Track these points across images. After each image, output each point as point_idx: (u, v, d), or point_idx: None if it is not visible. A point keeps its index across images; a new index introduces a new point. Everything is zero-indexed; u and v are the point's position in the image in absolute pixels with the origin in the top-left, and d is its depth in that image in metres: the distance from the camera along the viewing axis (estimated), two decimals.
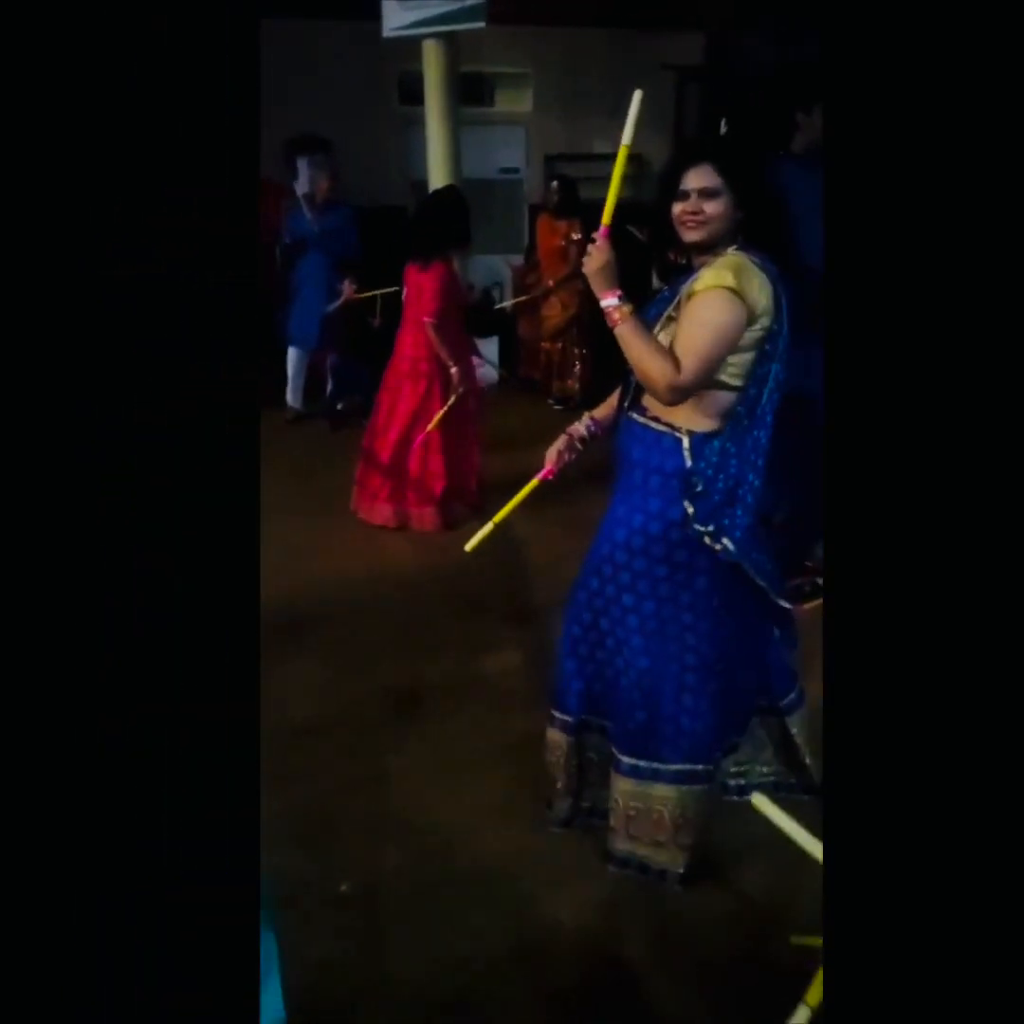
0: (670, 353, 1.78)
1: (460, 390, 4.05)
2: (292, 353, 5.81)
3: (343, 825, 2.30)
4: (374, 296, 5.35)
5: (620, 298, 1.81)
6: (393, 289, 4.79)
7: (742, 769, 2.28)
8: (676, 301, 1.89)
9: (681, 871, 2.07)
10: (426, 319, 3.95)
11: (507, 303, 6.63)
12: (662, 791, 2.03)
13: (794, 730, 2.21)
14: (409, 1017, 1.81)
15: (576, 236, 5.83)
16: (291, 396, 5.89)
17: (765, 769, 2.29)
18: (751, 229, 1.86)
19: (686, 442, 1.87)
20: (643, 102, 1.74)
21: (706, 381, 1.80)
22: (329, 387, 5.92)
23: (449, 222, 3.97)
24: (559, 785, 2.23)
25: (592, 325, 5.66)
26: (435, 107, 5.70)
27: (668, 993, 1.85)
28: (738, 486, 1.89)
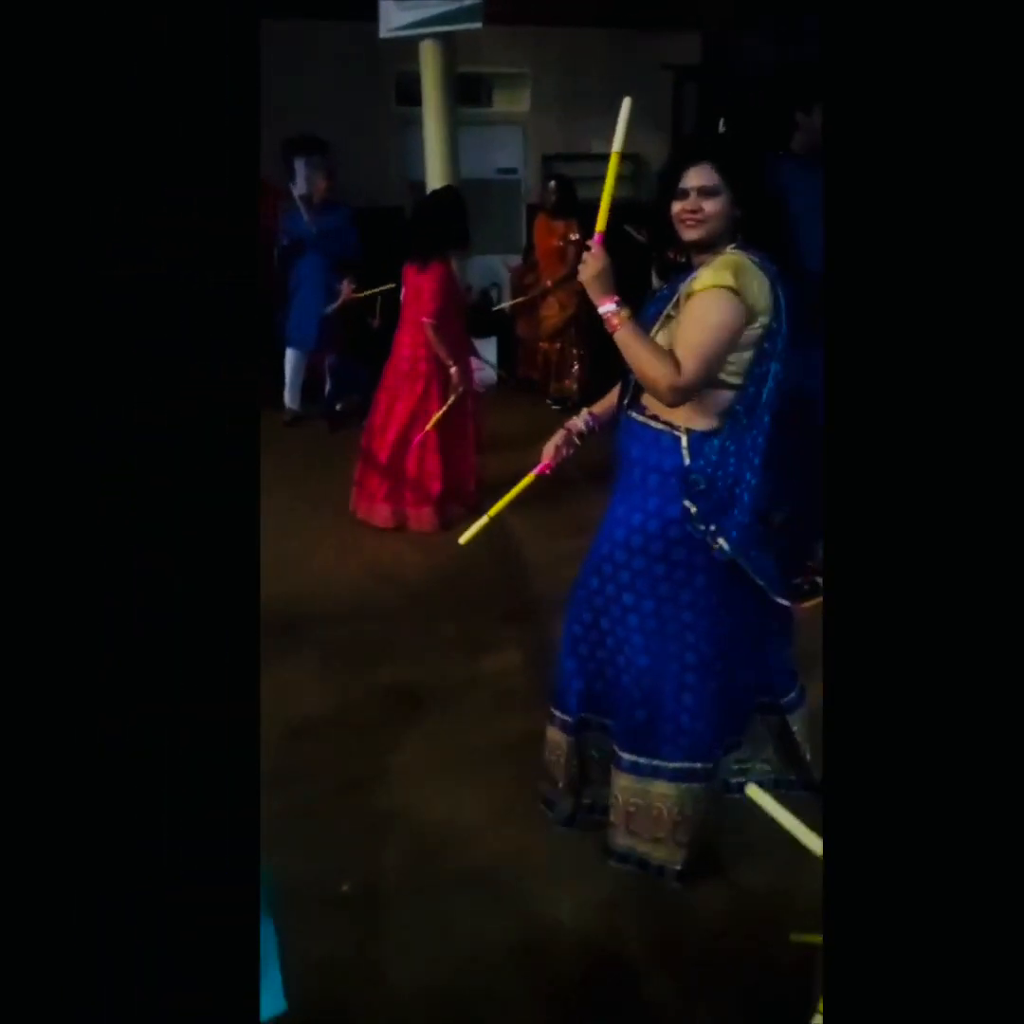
0: (670, 355, 1.79)
1: (459, 390, 4.05)
2: (290, 354, 5.80)
3: (343, 825, 2.30)
4: (373, 295, 5.34)
5: (617, 303, 1.83)
6: (390, 286, 4.79)
7: (743, 767, 2.29)
8: (675, 300, 1.89)
9: (678, 868, 2.07)
10: (425, 319, 3.95)
11: (505, 304, 6.63)
12: (661, 788, 2.04)
13: (795, 728, 2.21)
14: (409, 1017, 1.81)
15: (574, 236, 5.83)
16: (289, 397, 5.88)
17: (766, 766, 2.29)
18: (750, 228, 1.86)
19: (684, 440, 1.88)
20: (633, 109, 1.74)
21: (708, 381, 1.81)
22: (327, 388, 5.92)
23: (447, 222, 3.98)
24: (561, 784, 2.23)
25: (590, 325, 5.66)
26: (433, 107, 5.70)
27: (668, 992, 1.85)
28: (735, 485, 1.89)
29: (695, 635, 1.98)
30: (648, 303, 2.00)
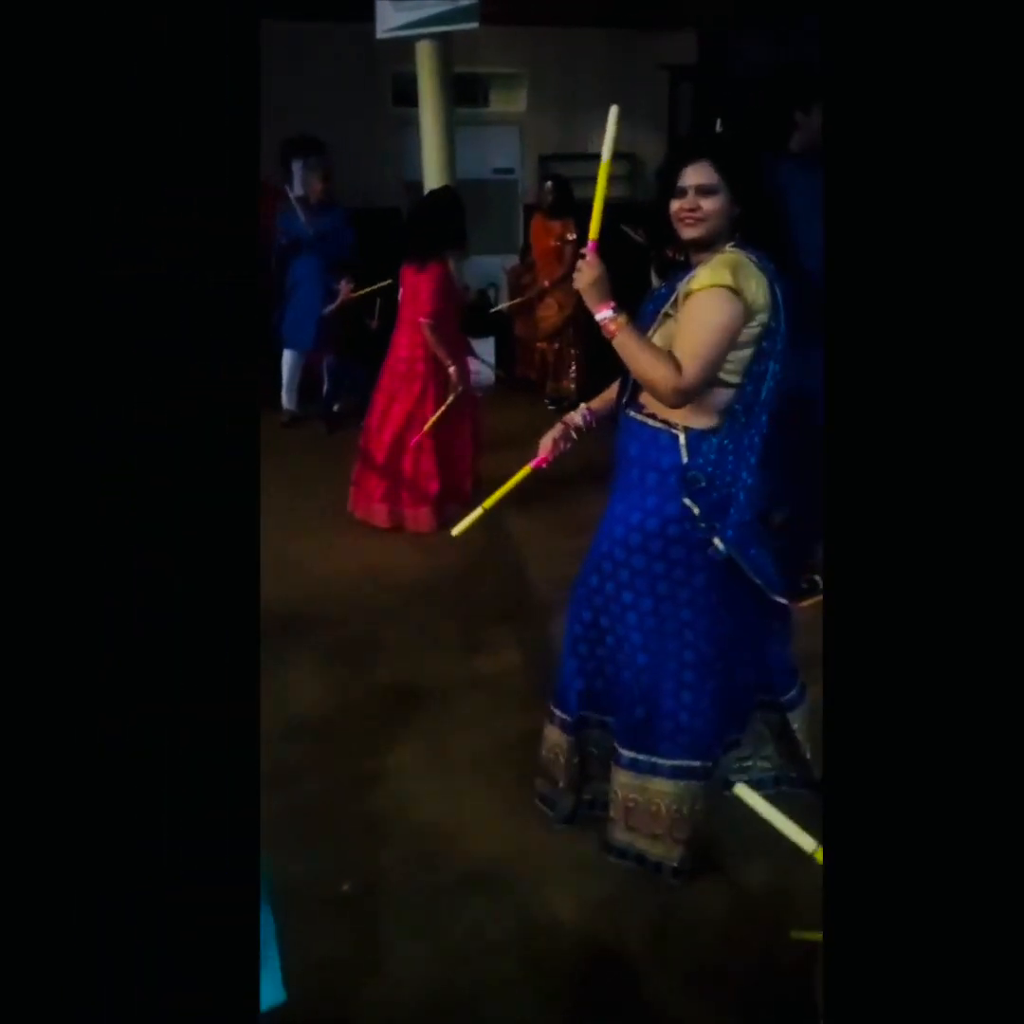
0: (671, 357, 1.79)
1: (459, 389, 4.05)
2: (287, 355, 5.79)
3: (343, 825, 2.30)
4: (371, 293, 5.32)
5: (614, 309, 1.84)
6: (388, 282, 4.78)
7: (743, 765, 2.29)
8: (673, 298, 1.89)
9: (675, 864, 2.08)
10: (423, 320, 3.95)
11: (503, 306, 6.63)
12: (660, 785, 2.04)
13: (795, 726, 2.22)
14: (409, 1016, 1.81)
15: (571, 236, 5.83)
16: (286, 398, 5.87)
17: (766, 764, 2.30)
18: (748, 226, 1.86)
19: (682, 438, 1.88)
20: (620, 117, 1.75)
21: (709, 380, 1.82)
22: (325, 388, 5.92)
23: (445, 223, 3.98)
24: (561, 783, 2.24)
25: (588, 326, 5.62)
26: (429, 108, 5.69)
27: (669, 991, 1.85)
28: (732, 484, 1.90)
29: (694, 633, 1.98)
30: (646, 302, 2.01)
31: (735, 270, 1.78)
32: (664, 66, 7.50)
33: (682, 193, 1.85)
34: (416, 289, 3.98)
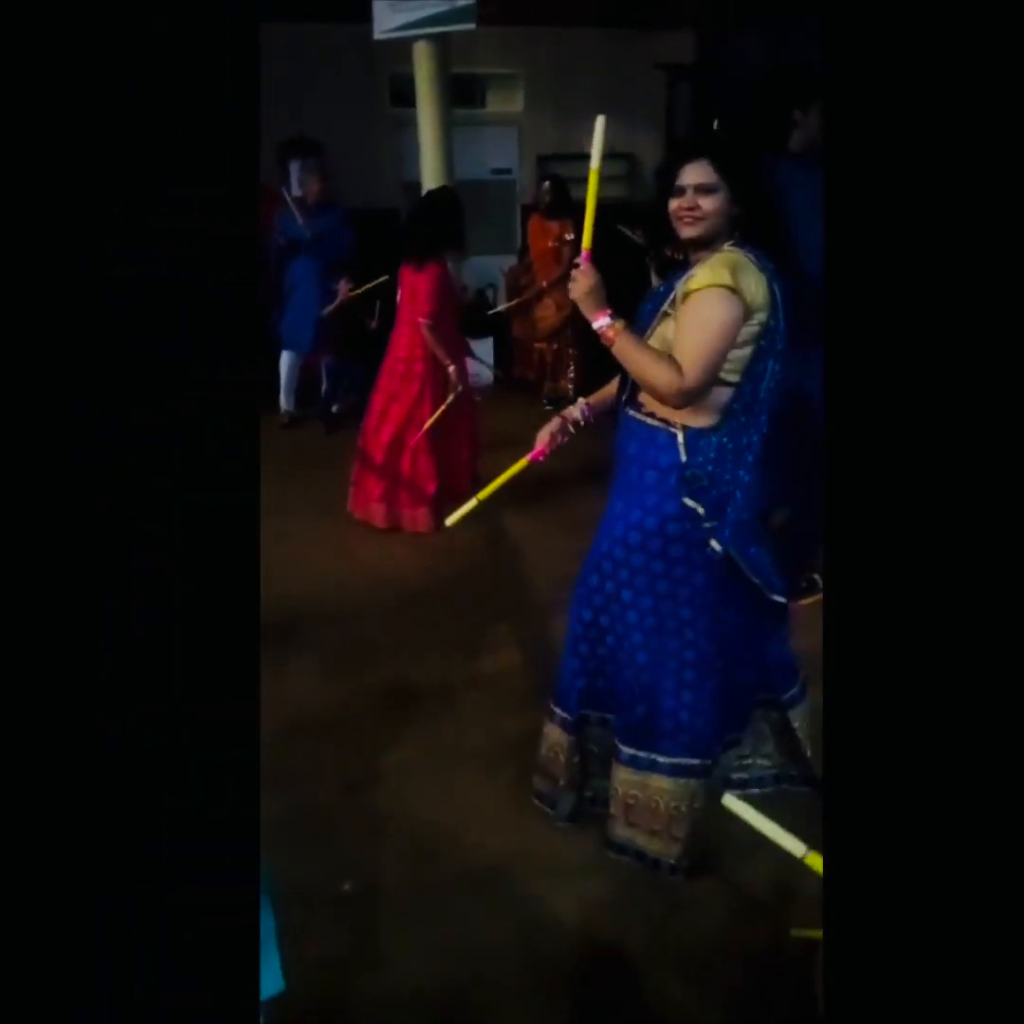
0: (671, 359, 1.80)
1: (459, 388, 4.05)
2: (285, 357, 5.79)
3: (343, 825, 2.30)
4: (370, 289, 5.30)
5: (611, 316, 1.84)
6: (385, 278, 4.78)
7: (744, 763, 2.29)
8: (672, 297, 1.90)
9: (673, 861, 2.08)
10: (421, 320, 3.95)
11: (502, 307, 6.63)
12: (659, 782, 2.05)
13: (796, 724, 2.22)
14: (409, 1016, 1.81)
15: (569, 237, 5.83)
16: (284, 400, 5.87)
17: (766, 762, 2.30)
18: (748, 225, 1.87)
19: (681, 437, 1.88)
20: (606, 127, 1.75)
21: (711, 381, 1.82)
22: (324, 389, 5.91)
23: (443, 223, 3.98)
24: (561, 782, 2.24)
25: (586, 326, 5.64)
26: (427, 109, 5.69)
27: (670, 990, 1.85)
28: (731, 483, 1.90)
29: (694, 632, 1.98)
30: (645, 301, 2.01)
31: (734, 269, 1.78)
32: (661, 66, 7.49)
33: (681, 192, 1.85)
34: (415, 289, 3.98)
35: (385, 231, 4.85)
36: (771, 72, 5.58)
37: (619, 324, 1.85)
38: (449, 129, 5.77)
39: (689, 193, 1.84)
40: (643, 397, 1.96)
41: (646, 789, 2.06)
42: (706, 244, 1.86)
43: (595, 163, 1.78)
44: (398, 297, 4.15)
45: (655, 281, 2.09)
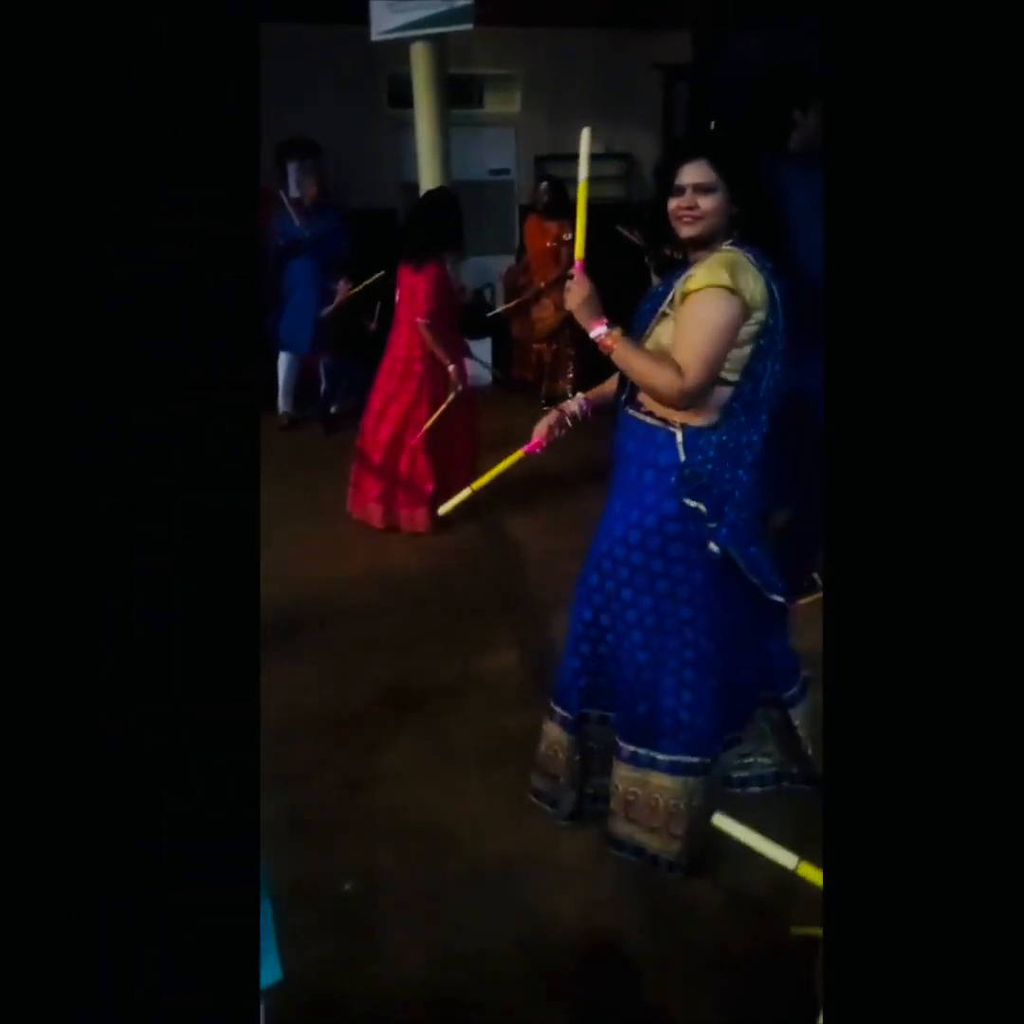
0: (671, 361, 1.80)
1: (459, 388, 4.05)
2: (283, 358, 5.78)
3: (343, 825, 2.30)
4: (368, 286, 5.29)
5: (608, 325, 1.85)
6: (382, 273, 4.77)
7: (745, 761, 2.30)
8: (671, 297, 1.90)
9: (672, 858, 2.08)
10: (420, 320, 3.95)
11: (500, 309, 6.63)
12: (659, 780, 2.05)
13: (796, 722, 2.22)
14: (409, 1016, 1.81)
15: (567, 237, 5.83)
16: (283, 401, 5.86)
17: (767, 760, 2.30)
18: (746, 225, 1.87)
19: (680, 436, 1.89)
20: (591, 138, 1.76)
21: (712, 381, 1.82)
22: (323, 390, 5.91)
23: (442, 224, 3.99)
24: (561, 780, 2.24)
25: None
26: (424, 109, 5.69)
27: (670, 989, 1.85)
28: (730, 482, 1.90)
29: (694, 631, 1.99)
30: (644, 300, 2.02)
31: (732, 269, 1.79)
32: (659, 66, 7.50)
33: (680, 191, 1.85)
34: (413, 290, 3.98)
35: (383, 232, 4.85)
36: (770, 72, 5.57)
37: (616, 332, 1.86)
38: (447, 130, 5.77)
39: (688, 193, 1.84)
40: (642, 396, 1.96)
41: (646, 786, 2.07)
42: (705, 244, 1.87)
43: (583, 176, 1.80)
44: (397, 297, 4.16)
45: (654, 280, 2.09)
